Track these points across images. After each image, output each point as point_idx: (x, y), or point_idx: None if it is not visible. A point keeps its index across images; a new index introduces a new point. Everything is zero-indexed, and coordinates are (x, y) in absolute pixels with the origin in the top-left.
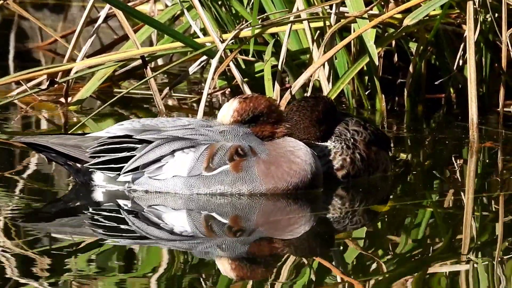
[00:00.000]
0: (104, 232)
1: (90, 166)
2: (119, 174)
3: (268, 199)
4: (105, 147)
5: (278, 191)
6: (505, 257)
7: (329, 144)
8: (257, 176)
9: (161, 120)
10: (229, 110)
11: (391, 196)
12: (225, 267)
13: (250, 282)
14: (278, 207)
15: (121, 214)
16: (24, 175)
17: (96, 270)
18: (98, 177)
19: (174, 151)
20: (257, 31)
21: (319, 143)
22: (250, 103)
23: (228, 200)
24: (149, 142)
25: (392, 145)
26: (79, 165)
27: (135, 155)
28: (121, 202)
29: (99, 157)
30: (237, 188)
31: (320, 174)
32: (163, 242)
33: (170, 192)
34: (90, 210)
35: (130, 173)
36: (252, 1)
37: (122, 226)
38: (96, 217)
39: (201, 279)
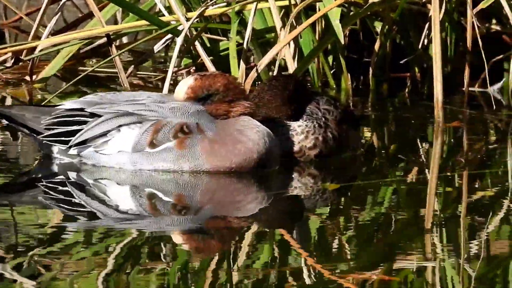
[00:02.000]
0: (52, 207)
1: (43, 138)
2: (70, 147)
3: (213, 177)
4: (59, 119)
5: (221, 170)
6: (470, 240)
7: (301, 123)
8: (200, 154)
9: (126, 94)
10: (183, 87)
11: (357, 175)
12: (181, 241)
13: (209, 258)
14: (223, 185)
15: (69, 188)
16: None
17: (38, 243)
18: (55, 150)
19: (120, 126)
20: (222, 10)
21: (291, 122)
22: (206, 80)
23: (174, 177)
24: (99, 116)
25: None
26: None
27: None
28: (71, 175)
29: (53, 129)
30: (180, 165)
31: (273, 154)
32: (109, 219)
33: (115, 167)
34: (44, 182)
35: (77, 146)
36: None
37: (71, 201)
38: (47, 191)
39: (158, 255)
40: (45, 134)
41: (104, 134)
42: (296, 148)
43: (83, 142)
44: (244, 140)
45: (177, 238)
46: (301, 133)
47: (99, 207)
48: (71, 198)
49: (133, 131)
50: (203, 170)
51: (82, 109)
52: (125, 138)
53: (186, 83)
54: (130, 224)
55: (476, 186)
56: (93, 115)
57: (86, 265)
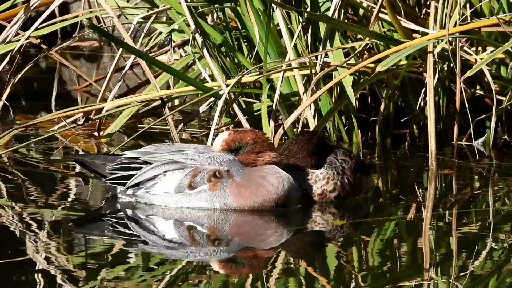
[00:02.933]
0: (114, 238)
1: (106, 181)
2: (127, 188)
3: (239, 214)
4: (119, 165)
5: (245, 208)
6: (460, 272)
7: (323, 171)
8: (229, 195)
9: (176, 146)
10: (219, 140)
11: (368, 213)
12: (217, 267)
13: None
14: (248, 221)
15: (127, 222)
16: (67, 193)
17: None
18: (118, 190)
19: (166, 171)
20: (255, 77)
21: (315, 170)
22: (238, 135)
23: (207, 214)
24: (150, 163)
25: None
26: None
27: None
28: (128, 212)
29: (115, 173)
30: (212, 204)
31: (291, 196)
32: (151, 245)
33: (161, 205)
34: (108, 217)
35: (132, 188)
36: (252, 53)
37: (128, 232)
38: (112, 224)
39: (195, 278)
40: (108, 178)
41: (153, 178)
42: (319, 191)
43: (137, 185)
44: (266, 184)
45: (214, 264)
46: (323, 179)
47: (149, 237)
48: (128, 230)
49: (176, 175)
50: (231, 209)
51: (137, 158)
52: (169, 181)
53: (222, 137)
54: (174, 252)
55: (463, 222)
56: (145, 162)
57: (135, 282)
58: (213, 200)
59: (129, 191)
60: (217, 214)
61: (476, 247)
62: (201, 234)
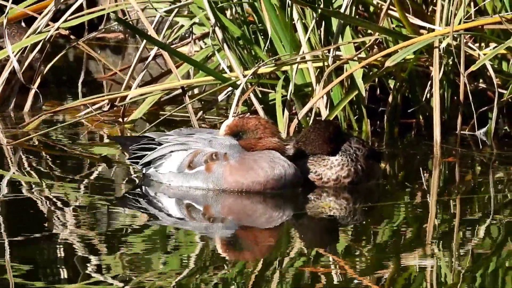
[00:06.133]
0: (130, 208)
1: (128, 160)
2: (142, 166)
3: (230, 195)
4: (139, 146)
5: (235, 189)
6: (460, 248)
7: (338, 157)
8: (222, 176)
9: (194, 129)
10: (224, 126)
11: (379, 197)
12: (217, 244)
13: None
14: (240, 202)
15: (138, 198)
16: (92, 173)
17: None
18: (144, 169)
19: (172, 151)
20: (272, 68)
21: (330, 157)
22: (240, 121)
23: (203, 193)
24: (161, 144)
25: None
26: None
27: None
28: (143, 188)
29: (134, 153)
30: (207, 184)
31: (282, 180)
32: (160, 221)
33: (166, 183)
34: (128, 192)
35: (145, 167)
36: (267, 45)
37: (139, 207)
38: (129, 198)
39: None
40: (129, 157)
41: (160, 158)
42: (333, 177)
43: (149, 164)
44: (255, 168)
45: (215, 241)
46: (338, 165)
47: (154, 212)
48: (139, 205)
49: (179, 156)
50: (223, 189)
51: (154, 139)
52: (173, 161)
53: (226, 123)
54: (174, 225)
55: (466, 207)
56: (159, 143)
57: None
58: (207, 180)
59: (144, 170)
60: (211, 194)
61: (477, 231)
62: (197, 211)
